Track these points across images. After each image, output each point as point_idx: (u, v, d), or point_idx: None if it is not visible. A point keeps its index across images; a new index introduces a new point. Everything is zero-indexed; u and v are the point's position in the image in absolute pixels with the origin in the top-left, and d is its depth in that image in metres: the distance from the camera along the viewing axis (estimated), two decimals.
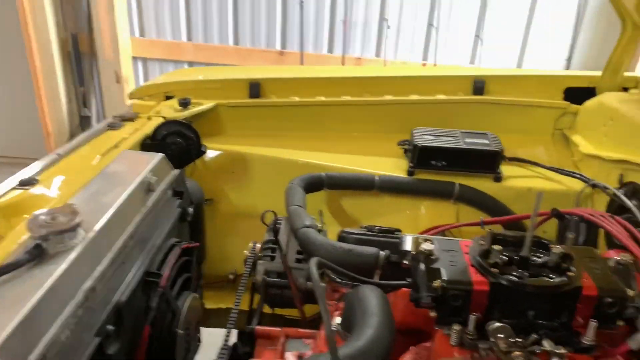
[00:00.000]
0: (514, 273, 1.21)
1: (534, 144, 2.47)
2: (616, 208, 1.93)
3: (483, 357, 1.12)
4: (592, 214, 1.71)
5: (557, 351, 1.11)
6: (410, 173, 2.21)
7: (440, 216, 2.19)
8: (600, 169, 2.14)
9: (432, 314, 1.21)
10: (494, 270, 1.19)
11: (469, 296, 1.17)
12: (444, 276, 1.19)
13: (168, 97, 2.47)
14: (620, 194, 1.91)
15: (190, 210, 1.77)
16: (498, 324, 1.11)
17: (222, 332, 1.80)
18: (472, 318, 1.15)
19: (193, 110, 2.29)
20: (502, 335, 1.10)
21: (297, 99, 2.44)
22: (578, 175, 2.17)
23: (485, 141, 2.23)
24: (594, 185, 2.07)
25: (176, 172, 1.75)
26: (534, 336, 1.15)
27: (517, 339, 1.10)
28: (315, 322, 1.73)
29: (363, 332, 1.05)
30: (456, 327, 1.16)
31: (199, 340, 1.83)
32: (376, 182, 2.17)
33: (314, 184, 2.11)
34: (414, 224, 2.22)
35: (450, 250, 1.29)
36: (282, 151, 2.34)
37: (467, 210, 2.20)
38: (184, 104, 2.29)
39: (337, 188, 2.19)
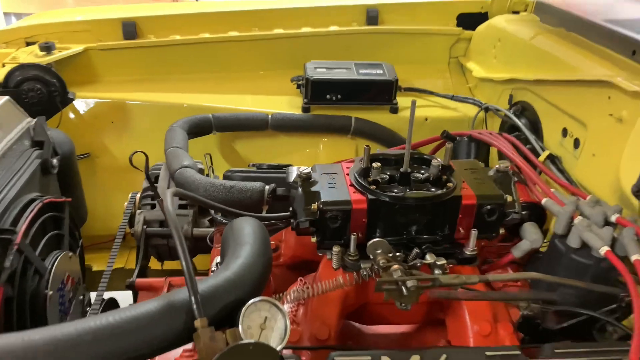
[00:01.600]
0: (394, 190, 1.19)
1: (431, 73, 2.48)
2: (508, 128, 1.98)
3: (365, 276, 1.10)
4: (480, 132, 1.74)
5: (439, 262, 1.11)
6: (305, 109, 2.16)
7: (339, 152, 2.16)
8: (492, 91, 2.18)
9: (314, 239, 1.18)
10: (372, 187, 1.16)
11: (348, 216, 1.14)
12: (321, 198, 1.15)
13: (30, 44, 2.23)
14: (510, 113, 1.96)
15: (55, 162, 1.61)
16: (375, 240, 1.08)
17: (112, 295, 1.70)
18: (353, 238, 1.12)
19: (57, 55, 2.08)
20: (379, 251, 1.08)
21: (178, 37, 2.28)
22: (471, 101, 2.21)
23: (380, 71, 2.20)
24: (487, 109, 2.12)
25: (32, 120, 1.57)
26: (416, 251, 1.14)
27: (396, 253, 1.08)
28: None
29: (232, 262, 0.99)
30: (336, 249, 1.12)
31: (90, 304, 1.71)
32: (269, 120, 2.10)
33: (200, 127, 2.00)
34: (314, 162, 2.17)
35: (331, 173, 1.25)
36: (165, 95, 2.20)
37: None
38: (46, 48, 2.07)
39: (227, 130, 2.09)
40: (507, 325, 1.18)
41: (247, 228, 1.09)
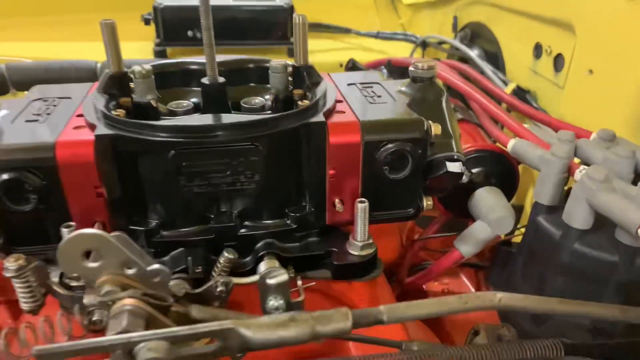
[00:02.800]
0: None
1: (351, 10, 1.86)
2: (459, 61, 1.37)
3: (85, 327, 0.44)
4: (404, 59, 1.12)
5: (274, 280, 0.47)
6: (158, 53, 1.49)
7: None
8: (431, 21, 1.59)
9: None
10: (118, 112, 0.51)
11: (55, 181, 0.48)
12: None
13: None
14: (455, 42, 1.35)
15: None
16: (86, 232, 0.42)
17: None
18: (66, 232, 0.46)
19: None
20: (99, 262, 0.42)
21: None
22: (402, 36, 1.59)
23: None
24: (424, 44, 1.50)
25: None
26: (228, 256, 0.49)
27: (159, 267, 0.43)
28: None
29: None
30: (12, 263, 0.46)
31: None
32: (100, 70, 1.42)
33: None
34: None
35: (60, 97, 0.60)
36: None
37: None
38: None
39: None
40: None
41: None
